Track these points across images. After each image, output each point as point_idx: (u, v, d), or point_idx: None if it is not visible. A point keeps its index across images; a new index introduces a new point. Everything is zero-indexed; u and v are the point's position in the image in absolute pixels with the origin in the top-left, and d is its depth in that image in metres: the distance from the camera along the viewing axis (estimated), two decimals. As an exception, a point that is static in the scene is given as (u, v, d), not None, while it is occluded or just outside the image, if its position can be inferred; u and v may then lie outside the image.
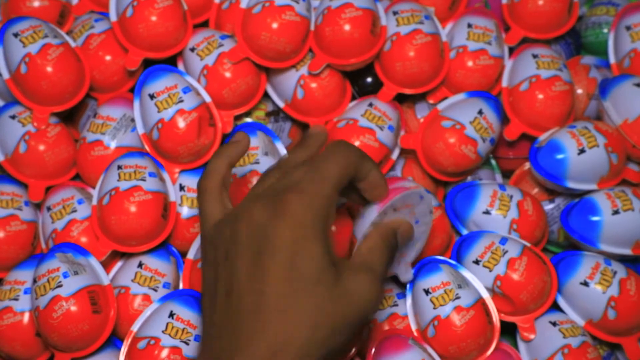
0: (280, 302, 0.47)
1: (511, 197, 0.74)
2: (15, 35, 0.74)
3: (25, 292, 0.70)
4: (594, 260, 0.72)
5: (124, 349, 0.68)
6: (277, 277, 0.48)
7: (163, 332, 0.66)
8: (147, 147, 0.75)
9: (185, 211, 0.75)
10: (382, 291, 0.54)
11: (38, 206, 0.77)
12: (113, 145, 0.76)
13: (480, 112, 0.77)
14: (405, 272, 0.65)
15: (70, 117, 0.82)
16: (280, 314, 0.47)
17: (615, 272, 0.71)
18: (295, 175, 0.52)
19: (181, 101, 0.74)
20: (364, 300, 0.50)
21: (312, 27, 0.78)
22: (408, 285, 0.71)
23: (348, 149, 0.53)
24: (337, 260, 0.50)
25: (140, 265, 0.72)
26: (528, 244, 0.72)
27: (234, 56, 0.77)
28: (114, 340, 0.71)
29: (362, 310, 0.50)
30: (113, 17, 0.78)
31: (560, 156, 0.74)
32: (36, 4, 0.82)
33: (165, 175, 0.74)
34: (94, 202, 0.73)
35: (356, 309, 0.50)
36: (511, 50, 0.83)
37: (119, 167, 0.72)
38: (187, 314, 0.67)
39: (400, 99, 0.82)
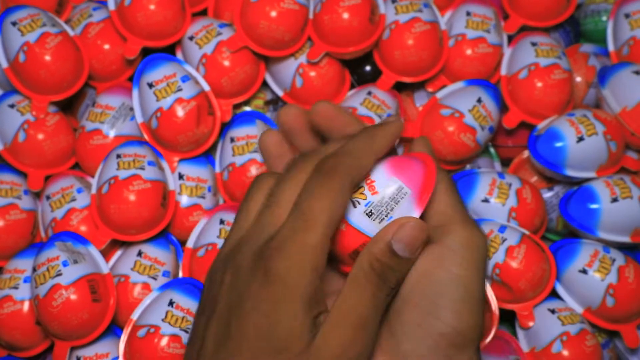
0: None
1: (510, 185, 0.74)
2: (14, 24, 0.74)
3: (25, 281, 0.70)
4: (592, 248, 0.72)
5: (123, 337, 0.68)
6: (243, 345, 0.43)
7: (163, 320, 0.67)
8: (146, 136, 0.75)
9: (184, 200, 0.75)
10: (369, 341, 0.44)
11: (37, 195, 0.77)
12: (112, 134, 0.76)
13: (479, 101, 0.77)
14: None
15: (69, 106, 0.82)
16: None
17: (613, 260, 0.71)
18: (278, 220, 0.45)
19: (180, 90, 0.74)
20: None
21: (311, 16, 0.78)
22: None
23: (331, 181, 0.44)
24: (321, 312, 0.44)
25: (139, 254, 0.72)
26: (527, 232, 0.72)
27: (233, 45, 0.77)
28: (113, 329, 0.72)
29: None
30: (111, 5, 0.77)
31: (559, 144, 0.74)
32: (34, -8, 0.82)
33: (165, 164, 0.74)
34: (93, 190, 0.73)
35: None
36: (510, 39, 0.83)
37: (118, 156, 0.72)
38: (186, 303, 0.68)
39: (399, 88, 0.82)
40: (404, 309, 0.45)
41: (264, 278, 0.42)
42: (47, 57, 0.74)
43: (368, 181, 0.46)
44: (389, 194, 0.45)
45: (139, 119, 0.75)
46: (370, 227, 0.45)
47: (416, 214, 0.45)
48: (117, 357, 0.69)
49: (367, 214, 0.45)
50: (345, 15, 0.76)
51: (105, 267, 0.70)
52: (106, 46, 0.79)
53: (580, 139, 0.74)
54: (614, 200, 0.73)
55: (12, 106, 0.76)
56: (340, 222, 0.44)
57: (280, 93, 0.80)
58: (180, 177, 0.75)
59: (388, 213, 0.45)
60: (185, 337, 0.66)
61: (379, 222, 0.45)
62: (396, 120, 0.48)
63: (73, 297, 0.67)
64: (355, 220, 0.45)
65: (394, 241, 0.43)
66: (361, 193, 0.46)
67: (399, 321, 0.45)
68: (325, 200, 0.43)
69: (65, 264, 0.67)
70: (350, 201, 0.45)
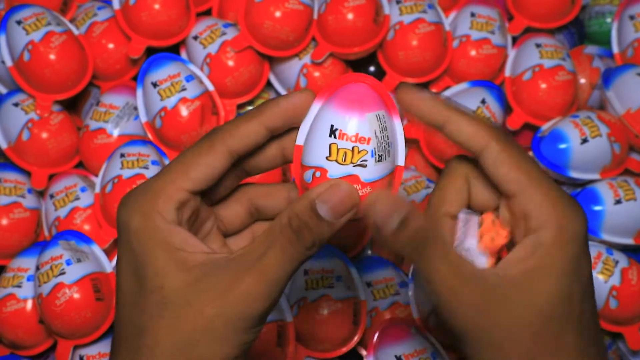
0: None
1: (513, 186, 0.74)
2: (19, 22, 0.74)
3: (29, 279, 0.70)
4: (595, 249, 0.72)
5: (126, 336, 0.68)
6: (122, 301, 0.46)
7: (166, 319, 0.67)
8: (149, 135, 0.75)
9: (187, 199, 0.75)
10: (268, 294, 0.43)
11: (41, 194, 0.78)
12: (116, 133, 0.76)
13: (483, 102, 0.77)
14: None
15: (73, 105, 0.83)
16: None
17: (617, 262, 0.71)
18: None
19: (184, 89, 0.74)
20: None
21: (315, 16, 0.78)
22: (410, 275, 0.71)
23: (208, 145, 0.45)
24: (188, 250, 0.44)
25: (142, 253, 0.72)
26: (530, 234, 0.72)
27: (237, 45, 0.77)
28: (116, 328, 0.72)
29: None
30: (116, 5, 0.78)
31: (562, 146, 0.74)
32: (39, -9, 0.82)
33: (168, 164, 0.74)
34: (97, 190, 0.73)
35: None
36: (514, 40, 0.83)
37: (122, 155, 0.72)
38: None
39: (403, 88, 0.82)
40: None
41: (118, 233, 0.46)
42: (52, 56, 0.74)
43: (354, 139, 0.44)
44: (377, 129, 0.44)
45: (143, 118, 0.75)
46: (385, 166, 0.45)
47: (399, 124, 0.46)
48: (120, 356, 0.69)
49: (377, 160, 0.44)
50: (350, 16, 0.76)
51: (108, 266, 0.70)
52: (110, 45, 0.79)
53: (584, 140, 0.74)
54: (618, 202, 0.73)
55: (16, 105, 0.76)
56: (209, 169, 0.45)
57: (284, 93, 0.80)
58: (184, 176, 0.75)
59: (388, 144, 0.45)
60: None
61: (388, 157, 0.45)
62: (302, 90, 0.46)
63: (76, 295, 0.67)
64: (370, 175, 0.44)
65: (318, 201, 0.42)
66: (359, 152, 0.44)
67: None
68: (197, 158, 0.44)
69: (68, 263, 0.68)
70: (356, 168, 0.44)
